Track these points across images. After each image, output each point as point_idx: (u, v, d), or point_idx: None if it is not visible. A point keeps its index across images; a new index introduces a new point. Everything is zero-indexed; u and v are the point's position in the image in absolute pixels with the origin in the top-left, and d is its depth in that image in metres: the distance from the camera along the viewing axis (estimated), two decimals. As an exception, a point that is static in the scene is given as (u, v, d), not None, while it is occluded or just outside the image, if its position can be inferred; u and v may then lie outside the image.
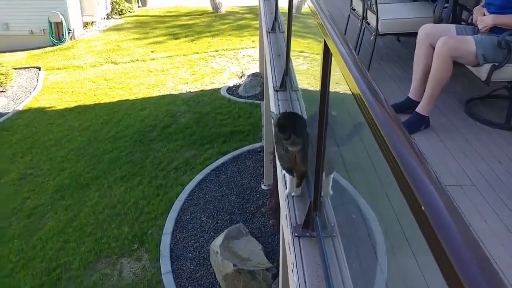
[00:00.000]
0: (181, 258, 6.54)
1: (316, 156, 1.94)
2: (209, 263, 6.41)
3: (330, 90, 1.82)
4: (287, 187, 2.35)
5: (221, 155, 8.60)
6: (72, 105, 11.57)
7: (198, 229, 6.99)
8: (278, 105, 3.32)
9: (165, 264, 6.41)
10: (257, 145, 8.75)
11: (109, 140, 9.56)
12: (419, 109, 3.22)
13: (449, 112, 3.47)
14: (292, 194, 2.33)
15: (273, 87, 3.58)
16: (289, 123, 2.15)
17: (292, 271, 1.99)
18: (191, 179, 8.03)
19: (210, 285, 6.13)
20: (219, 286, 6.11)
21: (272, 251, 6.34)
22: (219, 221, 7.11)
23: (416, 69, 3.41)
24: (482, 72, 3.04)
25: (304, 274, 1.92)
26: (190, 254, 6.59)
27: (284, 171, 2.36)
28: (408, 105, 3.39)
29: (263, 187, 7.71)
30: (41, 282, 6.27)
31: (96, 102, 11.59)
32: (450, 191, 2.52)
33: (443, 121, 3.34)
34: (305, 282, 1.87)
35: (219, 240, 6.35)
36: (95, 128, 10.21)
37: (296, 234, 2.11)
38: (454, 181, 2.59)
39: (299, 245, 2.07)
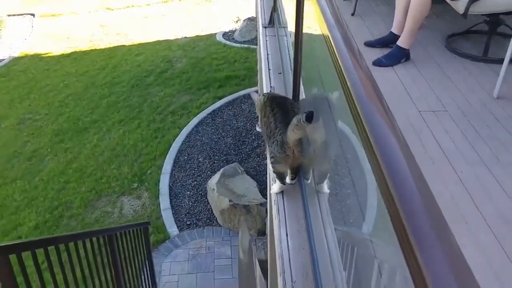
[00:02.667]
0: (179, 195, 6.80)
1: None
2: (206, 200, 6.68)
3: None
4: (275, 188, 2.07)
5: (217, 99, 8.75)
6: (68, 51, 11.61)
7: (196, 169, 7.23)
8: (266, 40, 3.45)
9: (164, 201, 6.68)
10: (253, 89, 8.87)
11: (107, 85, 9.69)
12: (400, 42, 3.37)
13: (430, 47, 3.61)
14: (287, 181, 2.05)
15: (262, 24, 3.70)
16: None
17: (274, 218, 2.14)
18: (188, 122, 8.22)
19: (208, 220, 6.42)
20: (216, 220, 6.40)
21: (266, 188, 6.58)
22: (215, 162, 7.34)
23: (398, 4, 3.53)
24: (460, 5, 3.16)
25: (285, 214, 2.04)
26: (188, 192, 6.85)
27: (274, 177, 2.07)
28: (392, 39, 3.53)
29: (258, 129, 7.79)
30: (45, 219, 6.55)
31: (92, 48, 11.63)
32: (424, 117, 2.71)
33: (423, 54, 3.49)
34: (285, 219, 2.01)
35: (215, 178, 6.59)
36: (92, 74, 10.31)
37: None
38: (427, 107, 2.77)
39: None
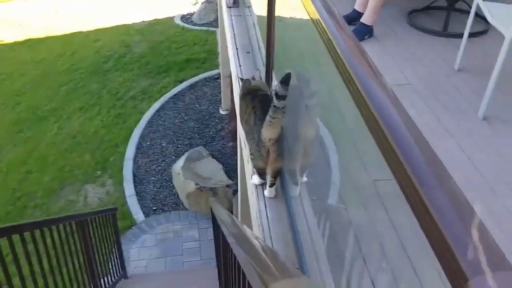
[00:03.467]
0: (144, 181, 6.76)
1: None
2: (171, 184, 6.67)
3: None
4: (255, 180, 2.05)
5: (178, 83, 8.68)
6: (22, 38, 11.26)
7: (159, 154, 7.19)
8: (232, 20, 3.46)
9: (129, 188, 6.63)
10: (214, 72, 8.85)
11: (65, 73, 9.47)
12: (363, 19, 3.44)
13: (392, 23, 3.70)
14: (266, 195, 1.99)
15: (226, 4, 3.70)
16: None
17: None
18: (149, 107, 8.14)
19: (174, 204, 6.42)
20: (182, 204, 6.40)
21: (232, 169, 6.62)
22: (179, 146, 7.31)
23: (361, -19, 3.59)
24: (420, -19, 3.25)
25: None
26: (153, 178, 6.82)
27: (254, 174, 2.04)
28: (355, 17, 3.59)
29: (221, 112, 7.89)
30: (7, 211, 6.41)
31: (48, 35, 11.31)
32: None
33: (386, 30, 3.58)
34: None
35: (180, 162, 6.58)
36: (49, 61, 10.05)
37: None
38: (392, 81, 2.85)
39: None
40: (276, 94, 1.60)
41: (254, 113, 1.86)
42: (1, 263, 2.17)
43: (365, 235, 1.85)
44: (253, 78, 2.03)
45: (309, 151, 1.86)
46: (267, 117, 1.70)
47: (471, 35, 3.01)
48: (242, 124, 2.03)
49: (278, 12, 2.11)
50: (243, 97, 1.98)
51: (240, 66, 2.73)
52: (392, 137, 0.70)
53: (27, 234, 2.48)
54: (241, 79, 2.20)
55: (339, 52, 0.95)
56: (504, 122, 2.44)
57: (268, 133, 1.74)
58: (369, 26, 3.42)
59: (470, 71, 2.93)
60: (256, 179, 2.03)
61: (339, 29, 1.05)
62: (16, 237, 2.40)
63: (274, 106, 1.63)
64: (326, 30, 1.07)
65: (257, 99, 1.89)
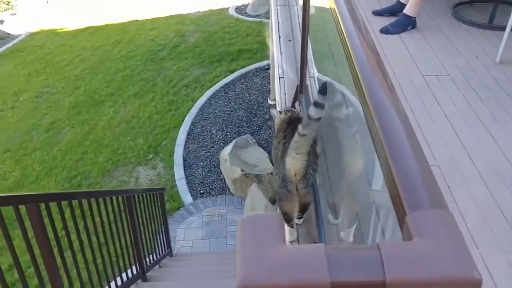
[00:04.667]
0: (193, 166, 6.99)
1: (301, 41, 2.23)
2: (219, 170, 6.86)
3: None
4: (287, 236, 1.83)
5: (230, 73, 8.87)
6: (83, 26, 11.75)
7: (209, 141, 7.40)
8: (277, 9, 3.57)
9: (179, 171, 6.88)
10: (265, 62, 8.98)
11: (121, 59, 9.84)
12: (406, 10, 3.48)
13: (436, 15, 3.71)
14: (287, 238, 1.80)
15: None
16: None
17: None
18: (201, 95, 8.37)
19: (220, 189, 6.61)
20: (228, 189, 6.59)
21: (277, 158, 6.74)
22: (228, 133, 7.50)
23: (405, -26, 3.62)
24: (467, -26, 3.26)
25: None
26: (202, 163, 7.04)
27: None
28: (399, 8, 3.63)
29: (269, 102, 8.02)
30: (64, 188, 6.78)
31: (107, 23, 11.76)
32: (428, 81, 2.83)
33: (429, 22, 3.60)
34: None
35: (228, 149, 6.76)
36: (106, 48, 10.46)
37: (286, 113, 2.43)
38: (431, 72, 2.89)
39: (289, 122, 2.40)
40: (315, 102, 1.45)
41: (284, 140, 1.68)
42: (54, 230, 2.36)
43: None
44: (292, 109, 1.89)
45: (354, 187, 1.73)
46: (293, 139, 1.52)
47: (517, 27, 2.99)
48: (273, 151, 1.86)
49: (323, 2, 2.20)
50: (282, 118, 1.83)
51: (281, 53, 2.85)
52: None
53: (75, 207, 2.71)
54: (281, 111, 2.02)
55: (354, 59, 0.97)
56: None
57: (293, 164, 1.55)
58: (412, 17, 3.46)
59: None
60: (287, 235, 1.78)
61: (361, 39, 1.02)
62: (68, 207, 2.61)
63: (308, 116, 1.44)
64: (347, 39, 1.04)
65: (292, 124, 1.69)
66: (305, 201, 1.71)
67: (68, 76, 9.57)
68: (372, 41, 1.03)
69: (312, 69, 2.55)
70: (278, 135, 1.74)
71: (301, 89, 2.31)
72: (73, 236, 2.61)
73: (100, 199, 3.03)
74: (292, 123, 1.72)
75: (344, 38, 1.05)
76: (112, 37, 10.91)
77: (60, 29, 11.77)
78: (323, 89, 1.47)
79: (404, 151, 0.64)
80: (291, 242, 1.80)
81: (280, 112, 1.98)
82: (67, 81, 9.41)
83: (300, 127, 1.49)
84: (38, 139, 7.88)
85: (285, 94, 2.54)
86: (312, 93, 2.46)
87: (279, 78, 2.64)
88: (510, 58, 2.97)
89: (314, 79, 2.60)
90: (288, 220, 1.75)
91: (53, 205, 2.24)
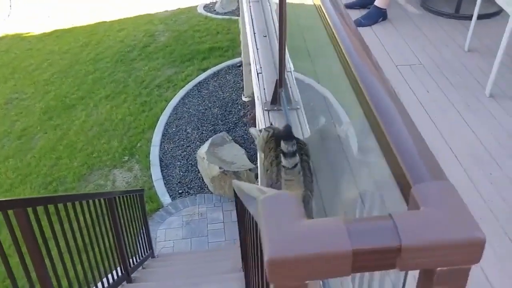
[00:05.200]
0: (170, 166, 6.98)
1: (278, 37, 2.27)
2: (196, 169, 6.87)
3: None
4: None
5: (202, 71, 8.86)
6: (49, 29, 11.58)
7: (185, 140, 7.40)
8: (250, 6, 3.58)
9: (156, 172, 6.86)
10: (237, 59, 9.00)
11: (90, 62, 9.74)
12: (377, 2, 3.55)
13: (406, 6, 3.80)
14: None
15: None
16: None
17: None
18: (174, 95, 8.35)
19: (199, 188, 6.63)
20: (207, 188, 6.60)
21: (254, 154, 6.79)
22: (203, 132, 7.51)
23: (375, -34, 3.70)
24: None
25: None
26: (179, 162, 7.03)
27: None
28: (370, 0, 3.71)
29: (243, 99, 8.05)
30: (40, 194, 6.69)
31: (73, 25, 11.61)
32: (401, 71, 2.91)
33: (400, 13, 3.69)
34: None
35: (204, 147, 6.77)
36: (75, 51, 10.34)
37: (265, 108, 2.48)
38: (404, 61, 2.97)
39: (269, 117, 2.45)
40: (283, 153, 1.38)
41: (277, 164, 1.60)
42: (33, 236, 2.35)
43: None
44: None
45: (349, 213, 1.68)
46: (282, 175, 1.46)
47: (483, 16, 3.11)
48: (262, 172, 1.79)
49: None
50: (265, 137, 1.76)
51: (257, 49, 2.89)
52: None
53: (61, 210, 2.70)
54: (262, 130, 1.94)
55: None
56: (511, 98, 2.55)
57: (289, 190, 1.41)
58: (383, 9, 3.53)
59: (479, 51, 3.03)
60: None
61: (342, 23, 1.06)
62: (50, 209, 2.61)
63: (283, 166, 1.40)
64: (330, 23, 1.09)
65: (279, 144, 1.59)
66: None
67: (37, 81, 9.43)
68: (355, 27, 1.07)
69: (289, 64, 2.60)
70: (268, 155, 1.66)
71: (280, 83, 2.35)
72: (59, 240, 2.61)
73: (84, 202, 3.02)
74: (278, 142, 1.64)
75: (329, 25, 1.09)
76: (80, 39, 10.79)
77: (26, 33, 11.57)
78: (288, 135, 1.39)
79: (401, 129, 0.69)
80: None
81: (260, 131, 1.91)
82: (37, 86, 9.27)
83: (284, 161, 1.43)
84: (10, 147, 7.76)
85: (264, 89, 2.57)
86: (290, 87, 2.51)
87: (257, 74, 2.67)
88: (477, 46, 3.08)
89: (291, 73, 2.64)
90: None
91: (39, 209, 2.24)
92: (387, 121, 0.71)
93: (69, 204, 2.72)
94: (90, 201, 3.15)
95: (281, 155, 1.40)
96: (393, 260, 0.52)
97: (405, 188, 0.61)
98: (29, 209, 2.11)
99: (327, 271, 0.52)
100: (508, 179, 2.16)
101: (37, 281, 2.28)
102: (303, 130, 2.29)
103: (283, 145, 1.38)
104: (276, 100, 2.40)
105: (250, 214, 1.65)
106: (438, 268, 0.53)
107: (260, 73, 2.64)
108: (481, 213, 1.95)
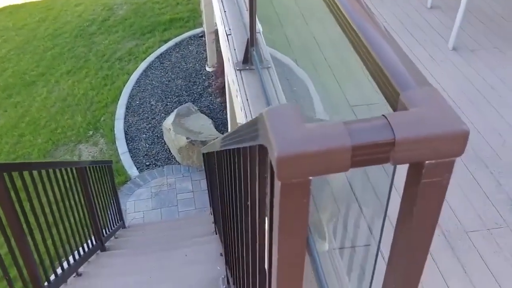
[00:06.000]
0: (135, 139, 6.95)
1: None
2: (163, 141, 6.87)
3: None
4: None
5: (163, 43, 8.78)
6: (0, 5, 11.19)
7: (149, 112, 7.36)
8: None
9: (122, 146, 6.83)
10: (198, 30, 8.94)
11: (49, 38, 9.50)
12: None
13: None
14: None
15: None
16: None
17: (236, 96, 2.43)
18: (136, 68, 8.26)
19: (166, 159, 6.64)
20: (174, 159, 6.62)
21: (221, 124, 6.83)
22: (168, 104, 7.48)
23: None
24: None
25: (246, 94, 2.35)
26: (144, 135, 7.01)
27: None
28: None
29: (207, 69, 8.03)
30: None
31: (26, 1, 11.24)
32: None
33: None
34: (247, 99, 2.31)
35: (170, 118, 6.76)
36: (31, 27, 10.05)
37: (237, 68, 2.52)
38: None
39: (241, 77, 2.49)
40: None
41: None
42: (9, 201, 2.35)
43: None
44: None
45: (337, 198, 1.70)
46: None
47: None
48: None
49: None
50: None
51: (225, 11, 2.90)
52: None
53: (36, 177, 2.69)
54: None
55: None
56: (472, 51, 2.67)
57: None
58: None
59: (441, 8, 3.13)
60: None
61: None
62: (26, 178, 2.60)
63: None
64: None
65: None
66: None
67: (-7, 59, 9.15)
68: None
69: (258, 25, 2.62)
70: None
71: (251, 42, 2.38)
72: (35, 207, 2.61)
73: (57, 170, 3.02)
74: None
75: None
76: (36, 15, 10.47)
77: (-23, 10, 11.16)
78: None
79: (384, 45, 0.75)
80: None
81: None
82: (-8, 63, 9.01)
83: None
84: (-31, 126, 7.56)
85: (234, 49, 2.60)
86: (261, 47, 2.55)
87: (226, 35, 2.69)
88: (439, 3, 3.17)
89: (260, 34, 2.68)
90: None
91: (15, 175, 2.24)
92: (370, 40, 0.77)
93: (43, 172, 2.72)
94: (63, 170, 3.15)
95: None
96: (387, 154, 0.58)
97: (392, 97, 0.68)
98: (5, 175, 2.11)
99: (329, 167, 0.58)
100: (472, 126, 2.30)
101: (16, 247, 2.29)
102: (276, 88, 2.35)
103: None
104: (247, 60, 2.44)
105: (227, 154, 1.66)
106: (427, 161, 0.60)
107: (229, 34, 2.66)
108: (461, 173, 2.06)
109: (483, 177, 2.16)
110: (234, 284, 2.20)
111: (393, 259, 0.73)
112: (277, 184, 0.60)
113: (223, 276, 2.65)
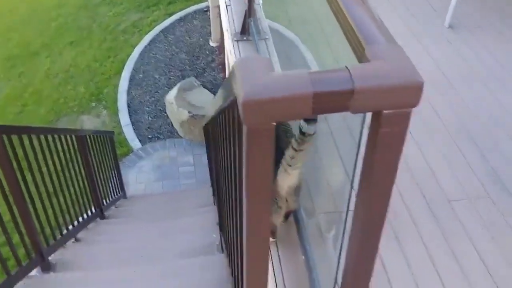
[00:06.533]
0: (138, 112, 6.99)
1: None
2: (165, 114, 6.90)
3: None
4: None
5: (168, 16, 8.72)
6: (7, -25, 11.14)
7: (152, 86, 7.38)
8: None
9: (124, 118, 6.86)
10: (203, 4, 8.88)
11: (53, 8, 9.46)
12: None
13: None
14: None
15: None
16: None
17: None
18: (140, 41, 8.23)
19: (169, 133, 6.68)
20: (176, 133, 6.66)
21: (223, 98, 6.83)
22: (171, 78, 7.49)
23: None
24: None
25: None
26: (147, 108, 7.04)
27: None
28: None
29: (211, 44, 8.01)
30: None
31: (33, -30, 11.19)
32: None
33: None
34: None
35: (173, 92, 6.78)
36: (36, -3, 10.02)
37: (235, 39, 2.54)
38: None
39: (238, 47, 2.51)
40: (306, 119, 1.24)
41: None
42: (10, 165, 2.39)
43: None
44: None
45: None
46: (285, 158, 1.34)
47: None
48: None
49: None
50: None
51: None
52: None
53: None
54: None
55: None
56: (468, 29, 2.68)
57: (287, 179, 1.39)
58: None
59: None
60: None
61: None
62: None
63: (301, 132, 1.26)
64: None
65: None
66: (292, 208, 1.57)
67: (-2, 28, 9.16)
68: None
69: (257, -4, 2.64)
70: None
71: (249, 13, 2.40)
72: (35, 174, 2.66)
73: (56, 136, 3.06)
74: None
75: None
76: (41, -15, 10.43)
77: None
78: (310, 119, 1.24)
79: (356, 6, 0.77)
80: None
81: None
82: (-3, 33, 9.01)
83: (294, 143, 1.31)
84: (-27, 95, 7.61)
85: (233, 20, 2.61)
86: (259, 18, 2.56)
87: (226, 6, 2.71)
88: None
89: (259, 6, 2.69)
90: (273, 232, 1.61)
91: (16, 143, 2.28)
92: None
93: (43, 140, 2.76)
94: (63, 138, 3.19)
95: (302, 122, 1.25)
96: (347, 102, 0.62)
97: (358, 50, 0.71)
98: (4, 138, 2.15)
99: (291, 112, 0.61)
100: (463, 102, 2.33)
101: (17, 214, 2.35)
102: (272, 59, 2.36)
103: (303, 124, 1.24)
104: (245, 30, 2.46)
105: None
106: (385, 111, 0.63)
107: (228, 5, 2.68)
108: (435, 126, 2.10)
109: (469, 150, 2.22)
110: (226, 250, 2.25)
111: (358, 204, 0.77)
112: (244, 129, 0.63)
113: (217, 243, 2.71)
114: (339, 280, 1.16)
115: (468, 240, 1.84)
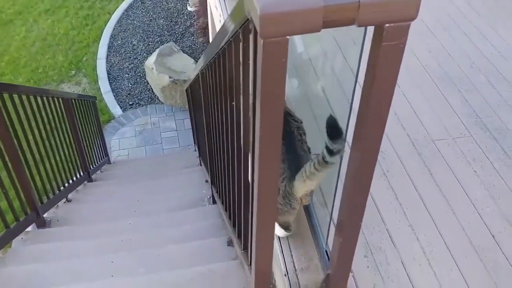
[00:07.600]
0: (118, 79, 6.97)
1: None
2: (145, 80, 6.90)
3: None
4: (280, 233, 1.71)
5: (144, -18, 8.63)
6: None
7: (131, 52, 7.35)
8: None
9: (104, 85, 6.85)
10: None
11: (25, -26, 9.25)
12: None
13: None
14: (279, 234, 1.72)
15: None
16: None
17: (220, 21, 2.49)
18: (117, 7, 8.15)
19: (149, 99, 6.70)
20: (157, 98, 6.68)
21: (203, 63, 6.84)
22: (150, 43, 7.46)
23: None
24: None
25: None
26: (127, 75, 7.03)
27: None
28: None
29: (189, 8, 7.97)
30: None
31: None
32: None
33: None
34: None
35: (152, 58, 6.77)
36: (6, -36, 9.76)
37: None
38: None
39: (224, 1, 2.54)
40: (330, 151, 1.24)
41: (283, 150, 1.45)
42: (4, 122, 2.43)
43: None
44: None
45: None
46: (306, 170, 1.36)
47: None
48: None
49: None
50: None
51: None
52: None
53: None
54: None
55: None
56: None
57: (305, 187, 1.41)
58: None
59: None
60: (280, 232, 1.69)
61: None
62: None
63: (324, 160, 1.26)
64: None
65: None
66: (305, 204, 1.60)
67: (-33, -4, 8.92)
68: None
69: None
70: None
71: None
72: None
73: (45, 100, 3.09)
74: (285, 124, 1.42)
75: None
76: (10, -49, 10.15)
77: None
78: (334, 130, 1.22)
79: None
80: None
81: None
82: (-33, 1, 8.79)
83: (317, 165, 1.32)
84: None
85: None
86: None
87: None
88: None
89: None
90: (286, 227, 1.65)
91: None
92: None
93: (32, 102, 2.80)
94: (51, 99, 3.22)
95: (326, 151, 1.25)
96: (353, 16, 0.70)
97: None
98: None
99: (304, 27, 0.69)
100: (443, 50, 2.44)
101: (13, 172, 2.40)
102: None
103: (332, 145, 1.23)
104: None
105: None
106: (386, 24, 0.72)
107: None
108: (419, 74, 2.20)
109: (451, 94, 2.33)
110: (221, 203, 2.33)
111: (360, 115, 0.86)
112: (260, 43, 0.71)
113: (208, 197, 2.80)
114: (335, 217, 1.25)
115: (451, 174, 1.97)
